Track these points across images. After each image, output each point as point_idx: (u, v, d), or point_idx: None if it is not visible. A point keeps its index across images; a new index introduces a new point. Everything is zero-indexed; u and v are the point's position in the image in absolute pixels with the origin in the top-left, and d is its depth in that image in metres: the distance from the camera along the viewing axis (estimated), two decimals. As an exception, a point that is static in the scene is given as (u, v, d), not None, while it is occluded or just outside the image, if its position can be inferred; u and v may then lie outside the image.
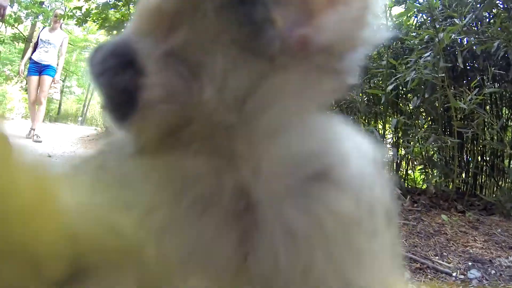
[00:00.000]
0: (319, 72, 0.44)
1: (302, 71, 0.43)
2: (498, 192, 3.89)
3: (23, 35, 19.38)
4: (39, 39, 6.45)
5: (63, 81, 25.47)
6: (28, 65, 6.61)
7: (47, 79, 6.28)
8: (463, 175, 4.16)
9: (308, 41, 0.41)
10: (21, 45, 20.10)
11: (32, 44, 6.67)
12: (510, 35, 3.32)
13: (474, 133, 3.63)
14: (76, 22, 4.79)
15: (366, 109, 4.51)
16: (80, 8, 4.78)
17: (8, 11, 5.98)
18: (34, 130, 6.54)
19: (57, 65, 6.46)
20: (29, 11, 14.44)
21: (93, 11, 4.56)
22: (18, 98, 16.34)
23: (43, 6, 14.78)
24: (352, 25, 0.42)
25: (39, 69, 6.29)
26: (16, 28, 13.94)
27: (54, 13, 6.38)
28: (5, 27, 16.00)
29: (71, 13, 4.76)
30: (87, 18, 4.69)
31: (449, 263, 2.16)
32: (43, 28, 7.34)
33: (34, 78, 6.32)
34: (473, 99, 3.20)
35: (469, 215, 3.18)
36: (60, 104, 24.52)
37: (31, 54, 6.43)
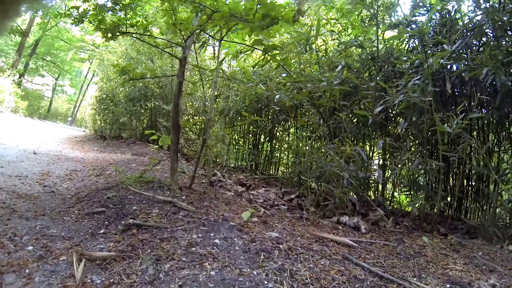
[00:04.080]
0: None
1: None
2: (482, 216, 3.93)
3: (21, 29, 19.27)
4: None
5: (56, 79, 25.26)
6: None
7: None
8: (448, 198, 4.19)
9: None
10: (18, 38, 20.03)
11: None
12: (498, 63, 3.40)
13: (459, 157, 3.67)
14: (72, 21, 4.73)
15: (354, 130, 4.55)
16: (77, 8, 4.72)
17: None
18: None
19: None
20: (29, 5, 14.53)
21: (90, 12, 4.51)
22: (9, 91, 16.18)
23: (43, 1, 14.81)
24: None
25: None
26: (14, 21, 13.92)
27: None
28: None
29: (69, 12, 4.70)
30: (83, 19, 4.63)
31: (427, 284, 2.16)
32: None
33: None
34: (459, 123, 3.25)
35: (451, 238, 3.20)
36: (50, 102, 24.30)
37: None
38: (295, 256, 2.37)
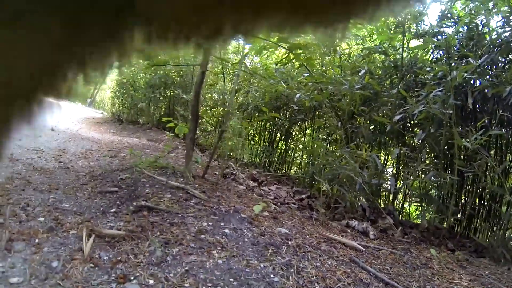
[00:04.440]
0: None
1: None
2: (491, 236, 3.87)
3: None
4: None
5: (77, 61, 25.64)
6: None
7: None
8: (459, 214, 4.14)
9: None
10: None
11: None
12: (523, 82, 3.34)
13: (475, 174, 3.63)
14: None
15: (371, 136, 4.52)
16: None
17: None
18: None
19: None
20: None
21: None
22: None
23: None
24: None
25: None
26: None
27: None
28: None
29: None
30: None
31: (431, 297, 2.15)
32: None
33: None
34: (478, 139, 3.21)
35: (459, 254, 3.17)
36: (71, 83, 24.63)
37: None
38: (303, 253, 2.39)
